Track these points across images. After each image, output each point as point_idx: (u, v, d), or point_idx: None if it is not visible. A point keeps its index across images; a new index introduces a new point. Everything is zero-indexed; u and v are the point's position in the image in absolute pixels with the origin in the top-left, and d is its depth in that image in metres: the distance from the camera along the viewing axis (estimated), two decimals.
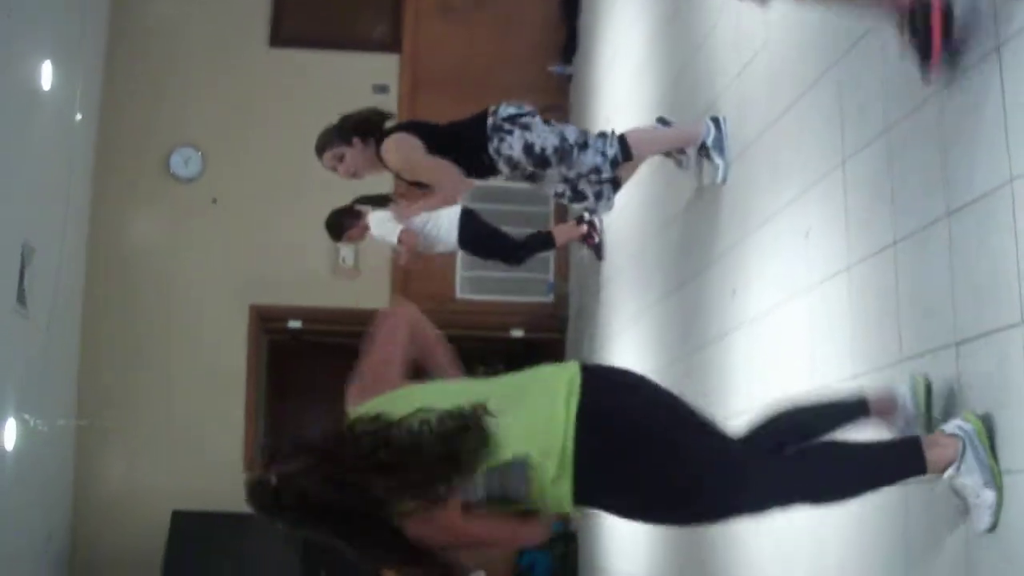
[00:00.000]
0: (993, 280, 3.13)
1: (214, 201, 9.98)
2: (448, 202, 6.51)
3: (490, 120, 5.93)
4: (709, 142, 5.70)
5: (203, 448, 9.58)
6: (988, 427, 3.18)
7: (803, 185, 4.56)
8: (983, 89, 3.21)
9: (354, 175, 6.35)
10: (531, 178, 6.07)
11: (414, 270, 8.52)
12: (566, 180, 6.02)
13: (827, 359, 4.29)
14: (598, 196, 6.06)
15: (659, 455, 3.09)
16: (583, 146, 5.95)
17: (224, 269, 9.85)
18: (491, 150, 5.90)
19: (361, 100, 9.89)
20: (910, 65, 3.42)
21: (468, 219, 7.94)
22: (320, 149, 6.34)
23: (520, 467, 3.01)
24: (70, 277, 9.19)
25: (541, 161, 5.89)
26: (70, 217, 9.07)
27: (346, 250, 9.49)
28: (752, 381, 5.12)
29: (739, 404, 5.17)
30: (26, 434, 7.92)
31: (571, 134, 5.98)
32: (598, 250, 8.58)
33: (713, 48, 5.96)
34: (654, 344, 6.85)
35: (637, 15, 7.86)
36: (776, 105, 4.94)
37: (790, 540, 4.60)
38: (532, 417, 3.07)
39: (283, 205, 9.85)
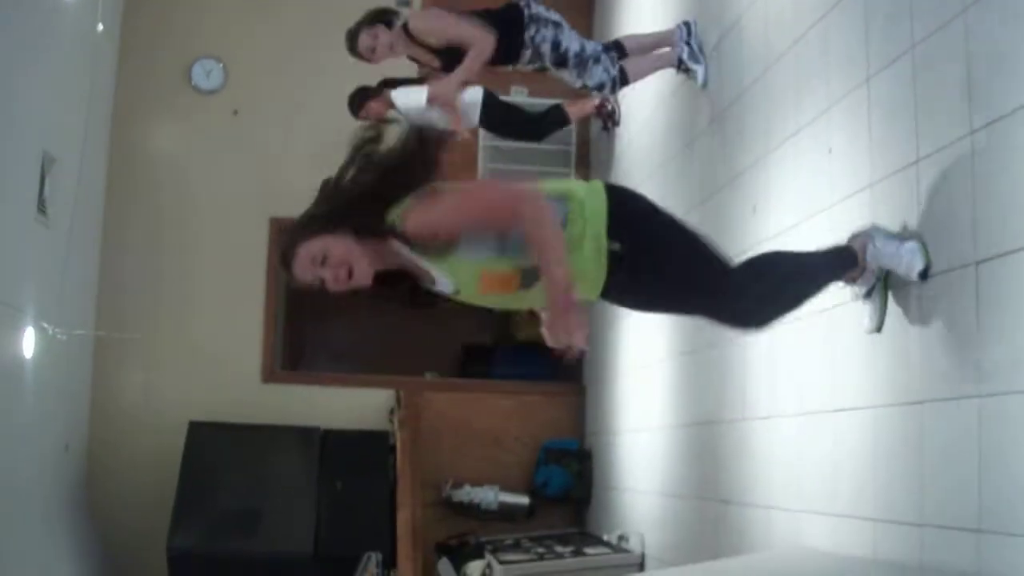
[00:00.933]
0: (1013, 200, 3.13)
1: (235, 113, 9.96)
2: (483, 56, 6.51)
3: (526, 11, 6.51)
4: (685, 56, 6.47)
5: (221, 360, 9.63)
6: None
7: (827, 102, 4.54)
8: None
9: (391, 50, 6.61)
10: (542, 66, 6.70)
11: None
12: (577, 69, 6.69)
13: (847, 373, 4.30)
14: (600, 85, 6.80)
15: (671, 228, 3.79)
16: (596, 60, 6.64)
17: (245, 181, 9.84)
18: (527, 35, 6.48)
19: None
20: None
21: (489, 98, 8.01)
22: (352, 38, 6.64)
23: (556, 199, 3.54)
24: (90, 187, 9.20)
25: (561, 60, 6.57)
26: (91, 127, 9.05)
27: None
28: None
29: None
30: (45, 344, 7.96)
31: (589, 47, 6.67)
32: (611, 117, 8.79)
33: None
34: None
35: None
36: (801, 22, 4.91)
37: (804, 458, 4.63)
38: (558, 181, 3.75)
39: (304, 117, 9.83)
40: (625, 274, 3.62)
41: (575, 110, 8.61)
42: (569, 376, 9.69)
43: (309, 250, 3.48)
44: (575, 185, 3.68)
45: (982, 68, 3.34)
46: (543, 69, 6.72)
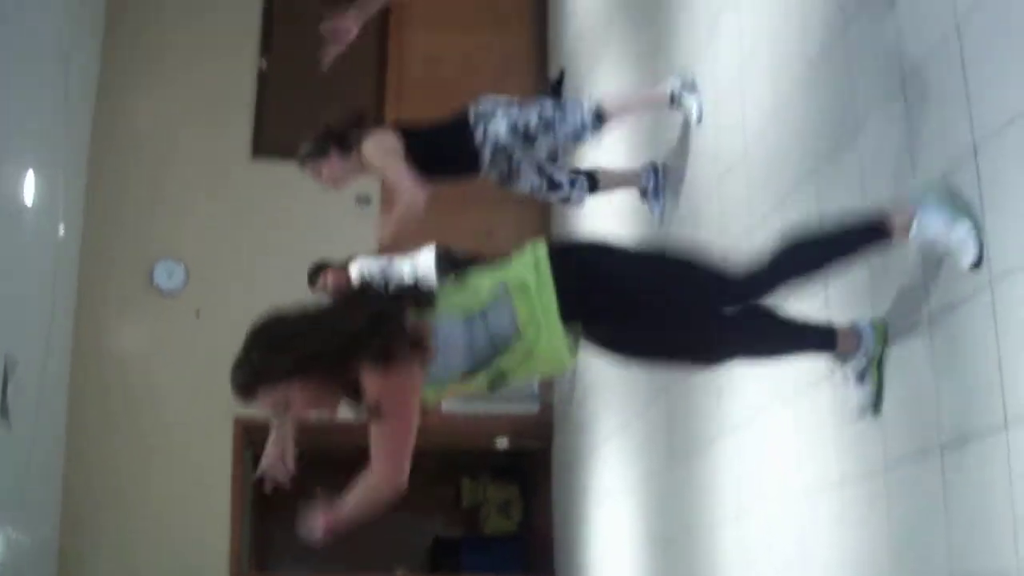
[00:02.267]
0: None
1: (197, 314, 9.97)
2: (412, 213, 6.26)
3: (471, 111, 6.03)
4: (676, 89, 6.03)
5: (188, 564, 9.49)
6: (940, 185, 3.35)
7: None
8: None
9: (336, 184, 6.27)
10: (507, 179, 6.22)
11: None
12: (540, 172, 6.27)
13: (814, 457, 4.29)
14: (573, 183, 6.42)
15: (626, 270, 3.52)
16: (562, 110, 6.06)
17: (208, 382, 9.78)
18: (477, 138, 5.98)
19: (343, 211, 10.04)
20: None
21: (445, 255, 7.85)
22: (301, 162, 6.26)
23: (500, 301, 3.37)
24: (53, 389, 9.15)
25: (526, 137, 5.98)
26: (53, 329, 9.04)
27: None
28: (740, 455, 5.11)
29: (726, 508, 5.16)
30: (8, 548, 7.84)
31: (547, 106, 6.09)
32: None
33: (694, 157, 6.05)
34: (642, 450, 6.83)
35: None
36: (754, 213, 4.98)
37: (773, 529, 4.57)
38: (499, 267, 3.51)
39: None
40: (597, 338, 3.59)
41: None
42: (541, 567, 9.58)
43: (272, 396, 3.47)
44: (518, 270, 3.45)
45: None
46: (508, 178, 6.24)
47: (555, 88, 9.97)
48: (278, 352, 3.43)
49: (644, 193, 6.46)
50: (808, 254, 3.58)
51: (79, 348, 9.71)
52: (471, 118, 6.01)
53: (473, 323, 3.35)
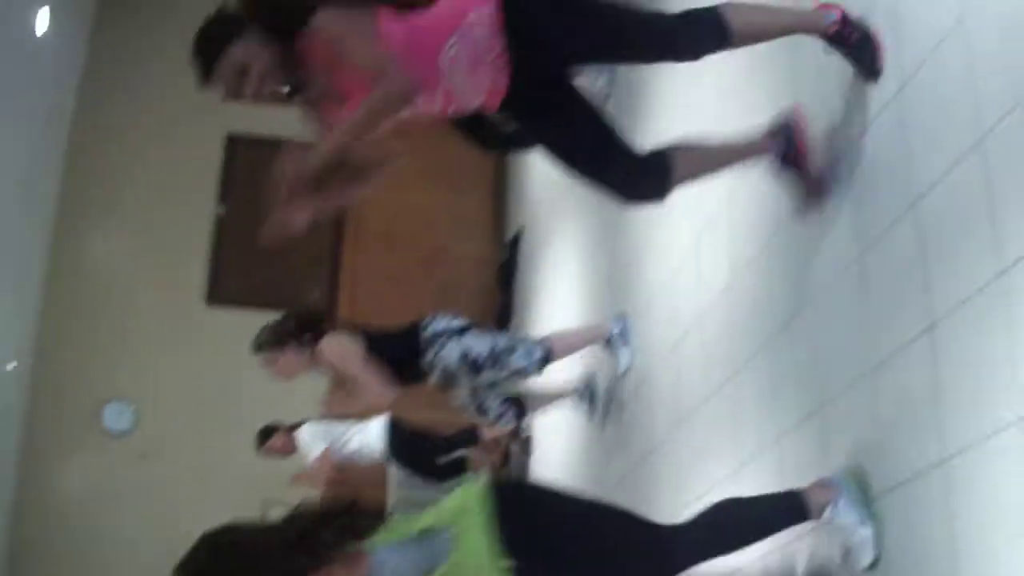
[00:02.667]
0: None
1: (142, 457, 9.88)
2: (372, 406, 6.49)
3: (423, 334, 6.26)
4: (615, 334, 6.35)
5: None
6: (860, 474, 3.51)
7: (739, 461, 4.59)
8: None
9: (288, 377, 6.40)
10: (444, 386, 6.39)
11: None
12: (473, 394, 6.54)
13: None
14: (499, 416, 6.72)
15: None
16: (511, 350, 6.30)
17: (155, 525, 9.69)
18: (425, 361, 6.22)
19: None
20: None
21: (396, 430, 8.00)
22: (256, 349, 6.40)
23: (436, 537, 3.23)
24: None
25: (475, 367, 6.21)
26: None
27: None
28: None
29: None
30: None
31: (501, 340, 6.40)
32: (526, 445, 8.74)
33: (646, 327, 6.10)
34: None
35: (570, 290, 8.02)
36: (710, 383, 5.00)
37: None
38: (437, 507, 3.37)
39: (215, 462, 9.77)
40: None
41: (489, 433, 8.63)
42: None
43: None
44: (450, 514, 3.31)
45: (894, 430, 3.42)
46: (445, 386, 6.42)
47: (512, 246, 10.06)
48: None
49: (581, 397, 6.84)
50: (731, 530, 3.62)
51: (25, 488, 9.60)
52: (421, 341, 6.25)
53: (407, 547, 3.23)
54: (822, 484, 3.58)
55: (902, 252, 3.38)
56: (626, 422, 6.30)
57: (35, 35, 9.31)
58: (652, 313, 6.00)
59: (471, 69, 3.77)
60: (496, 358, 6.25)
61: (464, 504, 3.31)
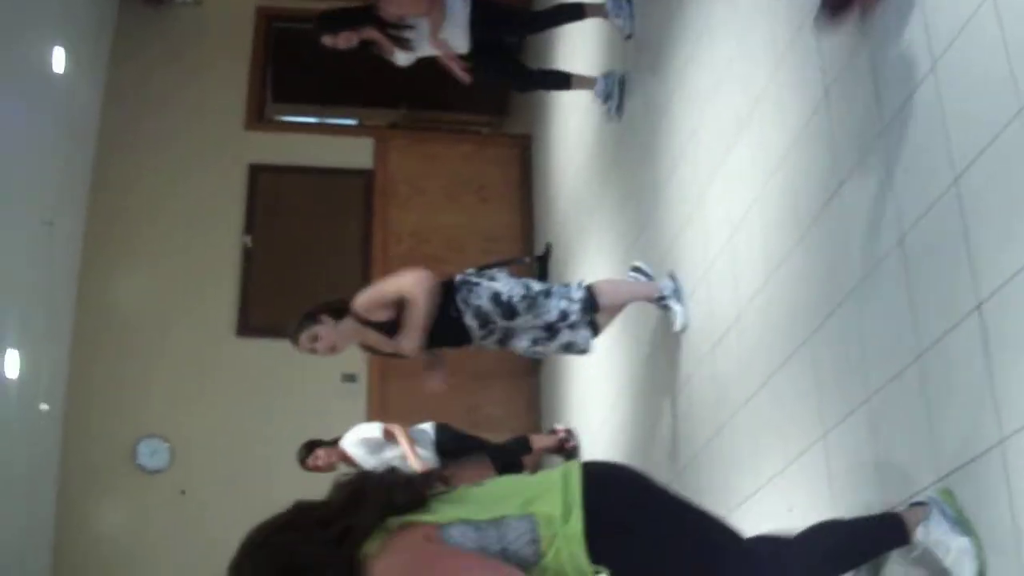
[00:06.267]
0: None
1: (182, 493, 9.84)
2: (424, 291, 6.10)
3: (457, 277, 5.94)
4: (668, 293, 6.07)
5: None
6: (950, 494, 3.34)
7: (786, 460, 4.52)
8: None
9: (333, 349, 6.03)
10: (502, 340, 6.01)
11: None
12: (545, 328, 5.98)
13: None
14: (573, 327, 5.98)
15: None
16: (547, 293, 5.93)
17: (194, 562, 9.61)
18: (458, 301, 5.84)
19: (329, 389, 9.97)
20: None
21: (444, 430, 8.05)
22: (294, 336, 6.03)
23: (523, 522, 2.95)
24: (36, 572, 8.97)
25: (509, 309, 5.84)
26: (35, 511, 8.91)
27: None
28: None
29: None
30: None
31: (535, 284, 6.01)
32: (573, 453, 8.56)
33: (685, 338, 6.03)
34: None
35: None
36: (751, 382, 4.93)
37: None
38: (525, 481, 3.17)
39: (253, 496, 9.69)
40: None
41: (538, 440, 8.59)
42: None
43: None
44: (547, 488, 3.04)
45: (941, 417, 3.34)
46: (503, 339, 6.01)
47: (541, 262, 10.01)
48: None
49: (660, 300, 6.21)
50: (838, 552, 3.53)
51: (62, 528, 9.55)
52: (455, 283, 5.92)
53: (484, 530, 2.95)
54: (915, 504, 3.48)
55: (944, 229, 3.31)
56: (670, 429, 6.22)
57: (53, 74, 9.31)
58: (690, 313, 5.92)
59: None
60: (531, 301, 5.87)
61: (561, 496, 3.01)
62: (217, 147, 10.91)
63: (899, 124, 3.63)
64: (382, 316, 5.88)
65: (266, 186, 10.93)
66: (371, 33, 7.44)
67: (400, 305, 5.83)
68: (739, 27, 5.25)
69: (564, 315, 5.92)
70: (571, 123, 9.22)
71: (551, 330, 5.99)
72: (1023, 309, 2.94)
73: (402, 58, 7.65)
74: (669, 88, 6.35)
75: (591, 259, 8.24)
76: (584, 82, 7.96)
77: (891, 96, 3.70)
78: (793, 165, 4.56)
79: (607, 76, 7.62)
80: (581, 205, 8.75)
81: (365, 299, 5.89)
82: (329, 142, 11.58)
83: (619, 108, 7.52)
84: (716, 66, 5.55)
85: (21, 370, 8.51)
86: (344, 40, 7.39)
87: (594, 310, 5.98)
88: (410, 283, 5.82)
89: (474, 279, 5.93)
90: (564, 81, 8.26)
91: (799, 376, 4.44)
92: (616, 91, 7.50)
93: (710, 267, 5.59)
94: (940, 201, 3.34)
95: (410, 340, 5.84)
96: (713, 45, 5.61)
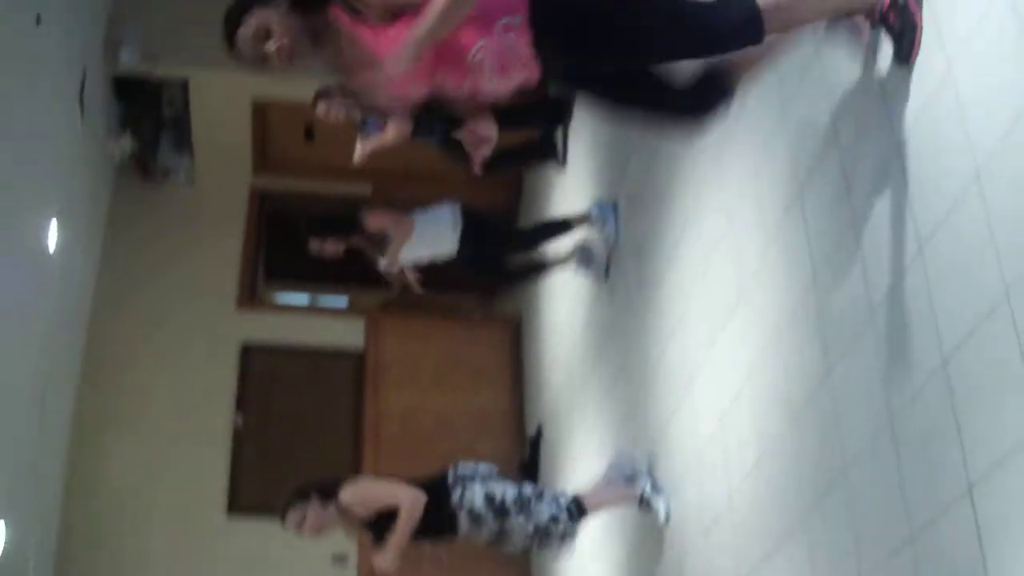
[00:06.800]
0: None
1: None
2: (414, 517, 6.22)
3: (451, 473, 6.22)
4: (647, 492, 6.23)
5: None
6: None
7: None
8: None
9: (319, 530, 6.16)
10: (497, 540, 6.23)
11: None
12: (535, 530, 6.22)
13: None
14: (563, 536, 6.26)
15: None
16: (539, 496, 6.25)
17: None
18: (454, 501, 6.10)
19: (319, 570, 9.86)
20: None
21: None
22: (282, 514, 6.19)
23: None
24: None
25: (501, 511, 6.12)
26: None
27: None
28: None
29: None
30: None
31: (527, 488, 6.33)
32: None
33: (675, 515, 6.01)
34: None
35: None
36: (745, 565, 4.90)
37: None
38: None
39: None
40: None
41: None
42: None
43: None
44: None
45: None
46: (497, 539, 6.25)
47: (533, 444, 9.99)
48: None
49: (641, 498, 6.38)
50: None
51: None
52: (449, 482, 6.20)
53: None
54: None
55: (933, 412, 3.32)
56: None
57: (46, 250, 9.36)
58: (681, 497, 5.91)
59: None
60: (523, 503, 6.16)
61: None
62: (209, 325, 10.96)
63: (887, 306, 3.67)
64: (363, 513, 6.12)
65: (258, 365, 10.96)
66: (357, 242, 8.07)
67: (384, 509, 6.09)
68: (728, 207, 5.33)
69: (554, 519, 6.21)
70: (562, 305, 9.28)
71: (544, 535, 6.25)
72: (1015, 487, 2.93)
73: (385, 265, 8.15)
74: (659, 270, 6.42)
75: (582, 440, 8.23)
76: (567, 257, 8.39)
77: (880, 278, 3.74)
78: (783, 350, 4.59)
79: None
80: (572, 386, 8.76)
81: (355, 493, 6.11)
82: (321, 323, 11.66)
83: (606, 272, 7.74)
84: (704, 249, 5.62)
85: (6, 549, 8.41)
86: (331, 248, 8.05)
87: (581, 515, 6.29)
88: (408, 501, 6.07)
89: (468, 480, 6.20)
90: (542, 269, 8.84)
91: (793, 557, 4.42)
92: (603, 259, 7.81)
93: (701, 454, 5.60)
94: (928, 383, 3.36)
95: (388, 560, 6.08)
96: (700, 228, 5.69)
